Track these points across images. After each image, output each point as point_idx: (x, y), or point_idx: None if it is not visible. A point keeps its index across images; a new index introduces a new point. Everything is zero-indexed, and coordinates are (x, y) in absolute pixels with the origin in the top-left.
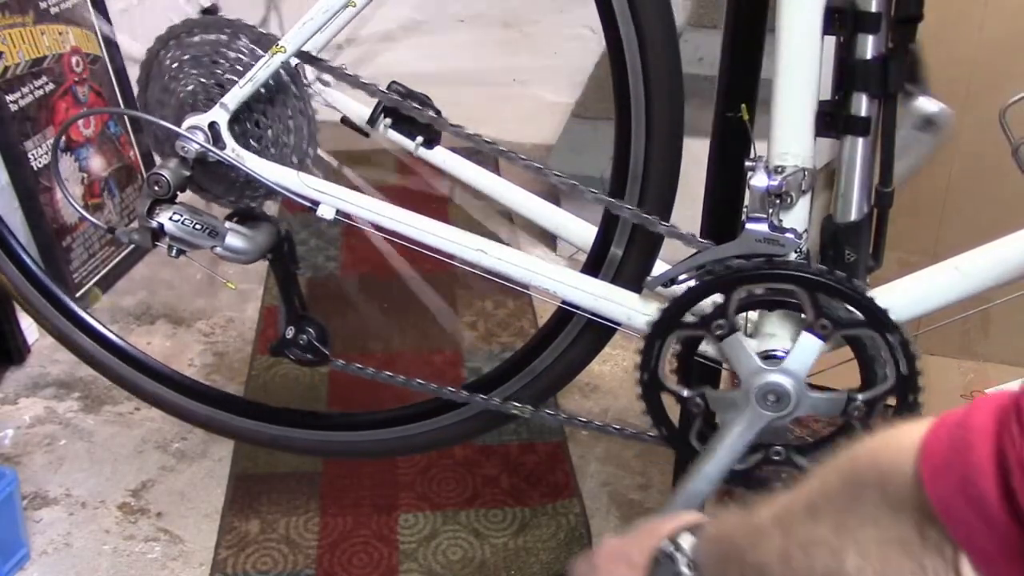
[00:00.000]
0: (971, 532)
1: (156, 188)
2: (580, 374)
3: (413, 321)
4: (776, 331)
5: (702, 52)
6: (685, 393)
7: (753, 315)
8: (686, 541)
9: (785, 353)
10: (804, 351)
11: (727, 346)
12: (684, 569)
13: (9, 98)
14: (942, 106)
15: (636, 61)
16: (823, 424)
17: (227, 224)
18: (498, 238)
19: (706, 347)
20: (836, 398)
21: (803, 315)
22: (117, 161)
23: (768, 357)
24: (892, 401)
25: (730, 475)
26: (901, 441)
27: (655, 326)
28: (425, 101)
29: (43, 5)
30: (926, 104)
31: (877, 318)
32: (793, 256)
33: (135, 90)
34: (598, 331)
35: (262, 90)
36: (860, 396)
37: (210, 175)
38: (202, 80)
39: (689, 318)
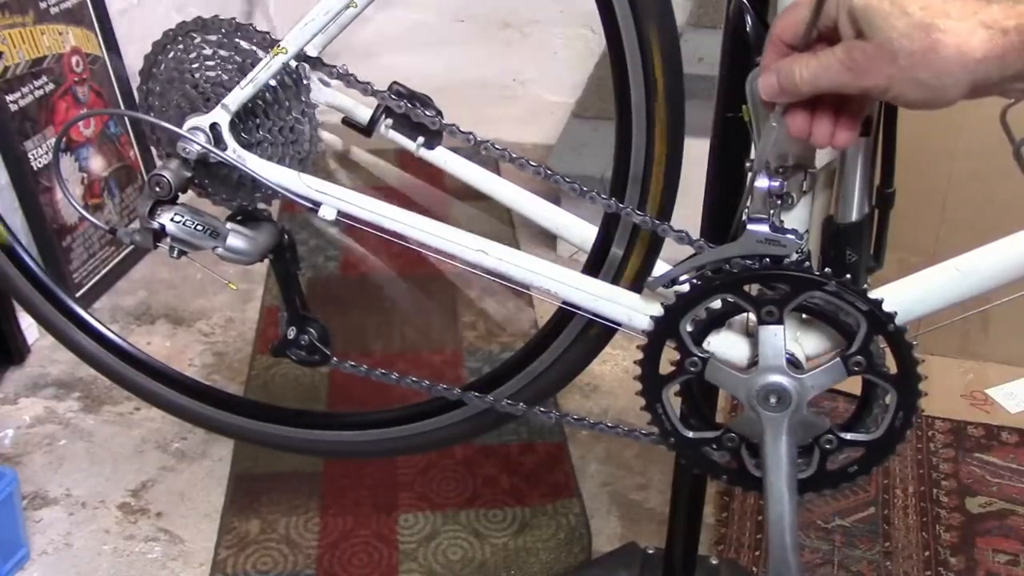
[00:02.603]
0: None
1: (157, 189)
2: (580, 374)
3: (413, 321)
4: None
5: (702, 52)
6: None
7: (753, 317)
8: None
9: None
10: (770, 344)
11: (763, 331)
12: None
13: (9, 98)
14: None
15: (636, 61)
16: (846, 400)
17: (228, 225)
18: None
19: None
20: (833, 365)
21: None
22: (117, 161)
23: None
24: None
25: (804, 485)
26: None
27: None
28: (426, 101)
29: (43, 5)
30: None
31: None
32: (794, 257)
33: (136, 91)
34: (598, 331)
35: (263, 91)
36: (851, 349)
37: (212, 176)
38: (203, 81)
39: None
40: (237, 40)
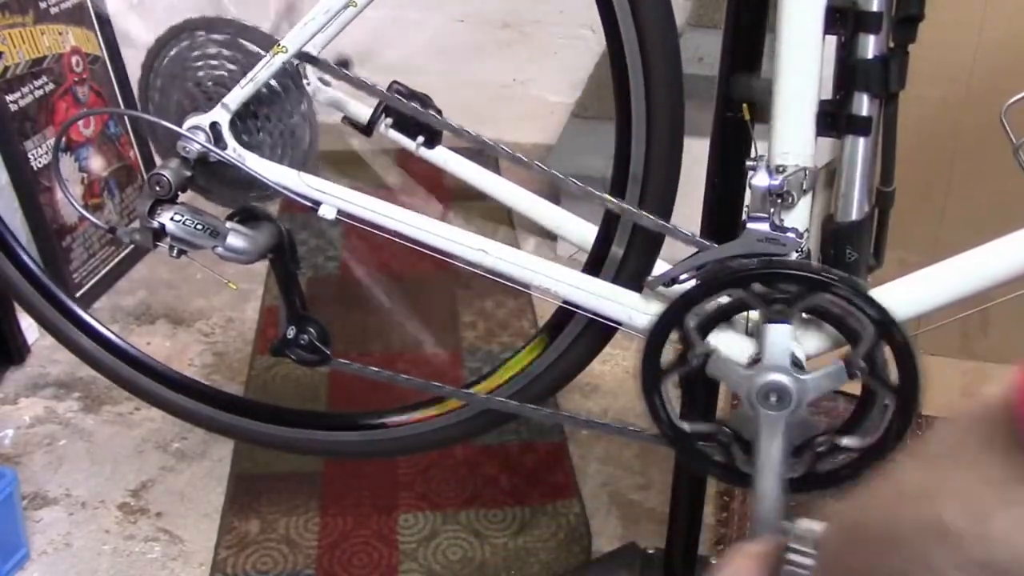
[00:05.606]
0: None
1: (157, 188)
2: (580, 374)
3: (413, 321)
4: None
5: (702, 52)
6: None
7: (755, 315)
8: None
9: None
10: (775, 343)
11: (770, 329)
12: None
13: (9, 98)
14: None
15: (636, 61)
16: (845, 403)
17: (228, 224)
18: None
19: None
20: (835, 369)
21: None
22: (117, 161)
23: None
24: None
25: (792, 485)
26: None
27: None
28: (426, 101)
29: (43, 5)
30: None
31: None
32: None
33: (135, 90)
34: (599, 331)
35: (263, 90)
36: (856, 354)
37: (211, 175)
38: (203, 80)
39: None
40: (242, 41)
